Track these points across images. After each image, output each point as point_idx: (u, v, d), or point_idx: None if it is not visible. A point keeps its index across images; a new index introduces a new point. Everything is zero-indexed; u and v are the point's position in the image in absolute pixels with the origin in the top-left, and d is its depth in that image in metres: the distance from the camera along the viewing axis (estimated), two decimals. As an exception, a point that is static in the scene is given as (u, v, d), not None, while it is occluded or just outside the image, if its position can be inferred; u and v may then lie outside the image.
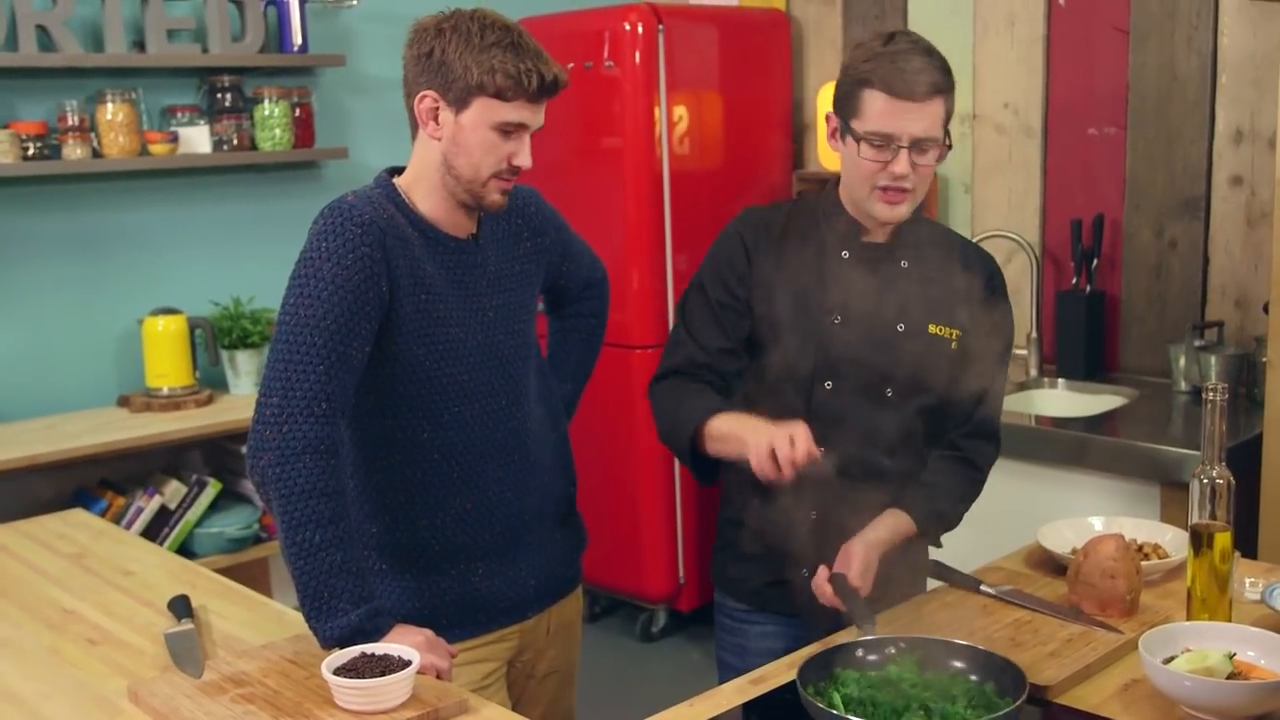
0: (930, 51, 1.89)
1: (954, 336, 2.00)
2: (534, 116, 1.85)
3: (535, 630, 2.09)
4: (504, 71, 1.78)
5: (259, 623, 2.01)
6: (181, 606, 2.01)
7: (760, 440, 1.78)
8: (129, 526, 3.32)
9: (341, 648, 1.73)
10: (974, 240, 3.65)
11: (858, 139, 1.89)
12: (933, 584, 2.09)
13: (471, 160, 1.84)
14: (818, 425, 1.88)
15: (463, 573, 1.97)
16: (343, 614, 1.74)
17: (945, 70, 1.89)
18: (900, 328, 1.99)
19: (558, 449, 2.13)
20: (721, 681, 2.14)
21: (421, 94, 1.84)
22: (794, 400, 1.99)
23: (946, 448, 2.05)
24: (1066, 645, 1.79)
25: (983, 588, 2.00)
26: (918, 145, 1.87)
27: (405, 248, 1.85)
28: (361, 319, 1.79)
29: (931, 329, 2.00)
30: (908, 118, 1.86)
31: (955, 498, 2.04)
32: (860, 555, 1.90)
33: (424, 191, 1.90)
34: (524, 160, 1.86)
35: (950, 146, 1.95)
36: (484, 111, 1.81)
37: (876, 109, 1.87)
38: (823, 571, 1.90)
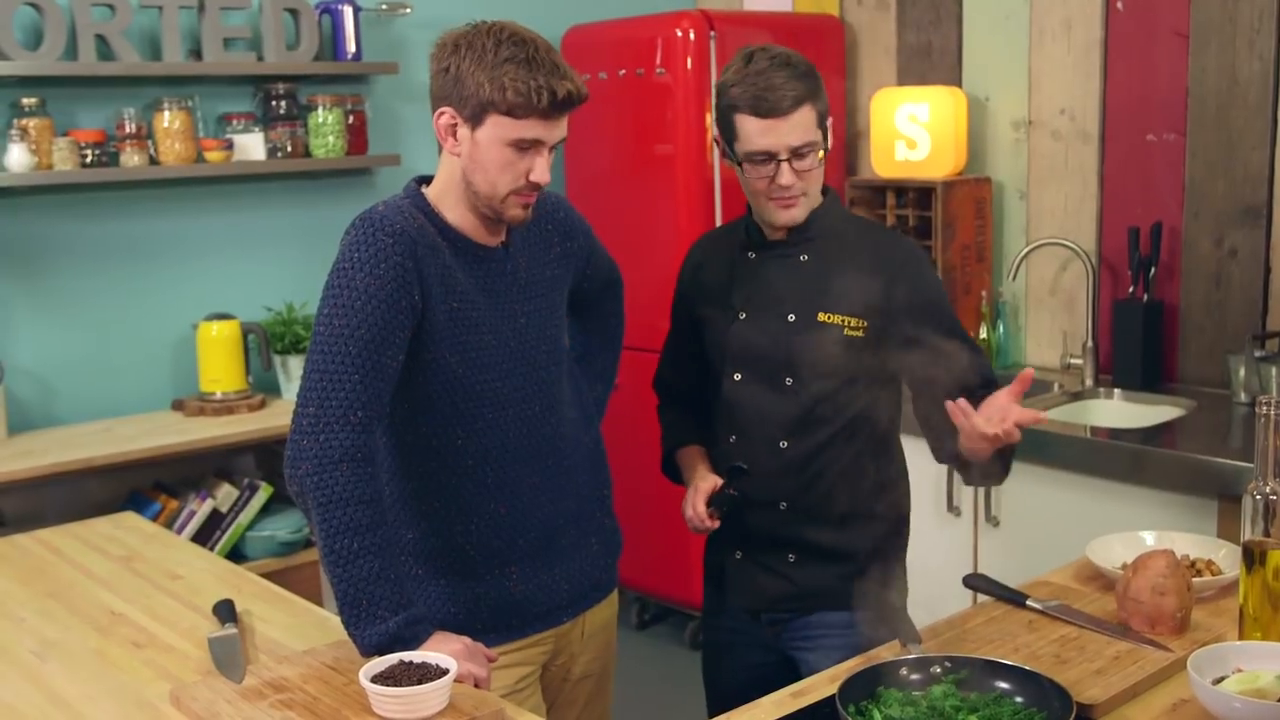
0: (789, 62, 1.99)
1: (848, 323, 2.06)
2: (549, 132, 1.83)
3: (570, 634, 2.10)
4: (514, 89, 1.77)
5: (301, 628, 2.03)
6: (225, 610, 2.03)
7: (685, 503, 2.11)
8: (181, 529, 3.36)
9: (380, 655, 1.73)
10: (1029, 246, 3.66)
11: (740, 161, 2.04)
12: (979, 598, 2.06)
13: (488, 176, 1.84)
14: (727, 413, 2.15)
15: (497, 577, 1.98)
16: (381, 621, 1.75)
17: (807, 75, 2.00)
18: (790, 318, 2.08)
19: (591, 452, 2.13)
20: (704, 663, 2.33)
21: (440, 110, 1.84)
22: (713, 393, 2.17)
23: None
24: (1113, 663, 1.76)
25: (1029, 603, 1.96)
26: (796, 153, 2.00)
27: (436, 256, 1.86)
28: (395, 328, 1.80)
29: (820, 316, 2.06)
30: (779, 133, 1.98)
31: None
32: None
33: (451, 203, 1.90)
34: (540, 176, 1.85)
35: (829, 144, 2.05)
36: (497, 129, 1.81)
37: (749, 131, 2.00)
38: None
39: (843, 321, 2.06)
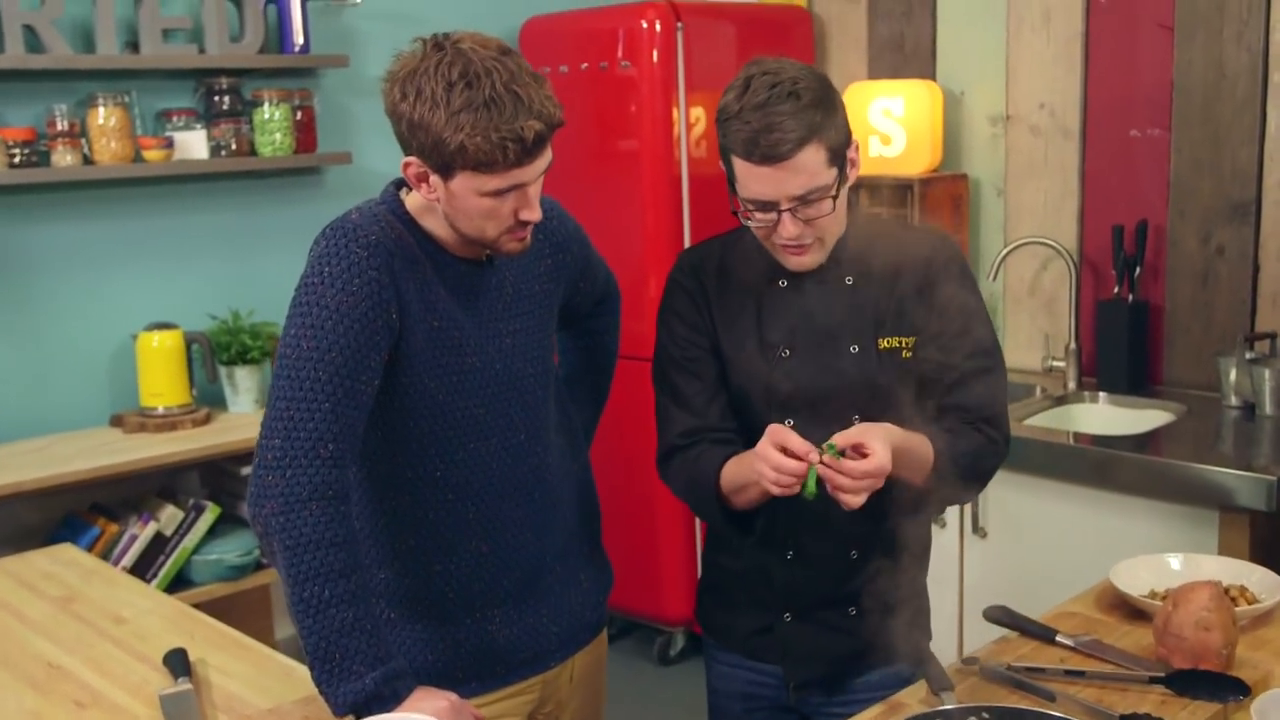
0: (795, 90, 1.68)
1: (905, 344, 1.85)
2: (527, 173, 1.63)
3: (557, 680, 1.94)
4: (475, 145, 1.57)
5: (264, 680, 1.84)
6: (178, 662, 1.84)
7: (759, 473, 1.70)
8: (122, 555, 3.16)
9: (357, 716, 1.56)
10: (1007, 247, 3.54)
11: (739, 205, 1.77)
12: (1000, 631, 1.91)
13: (473, 224, 1.67)
14: None
15: (479, 621, 1.83)
16: (357, 677, 1.58)
17: (815, 104, 1.69)
18: (854, 349, 1.85)
19: (580, 482, 1.98)
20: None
21: (405, 161, 1.65)
22: (757, 439, 1.82)
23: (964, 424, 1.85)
24: (1161, 708, 1.62)
25: (1059, 638, 1.82)
26: (802, 201, 1.72)
27: (415, 270, 1.69)
28: (370, 350, 1.63)
29: (883, 344, 1.84)
30: (778, 181, 1.70)
31: (971, 460, 1.83)
32: (871, 430, 1.69)
33: (434, 222, 1.73)
34: (530, 215, 1.67)
35: (849, 177, 1.77)
36: (469, 183, 1.62)
37: (745, 175, 1.72)
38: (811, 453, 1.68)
39: (900, 344, 1.84)
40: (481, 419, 1.76)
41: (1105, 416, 3.41)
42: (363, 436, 1.68)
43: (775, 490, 1.69)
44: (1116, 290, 3.42)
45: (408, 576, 1.79)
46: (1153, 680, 1.67)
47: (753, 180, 1.72)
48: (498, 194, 1.63)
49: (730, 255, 1.92)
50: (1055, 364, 3.58)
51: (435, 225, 1.72)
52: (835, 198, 1.74)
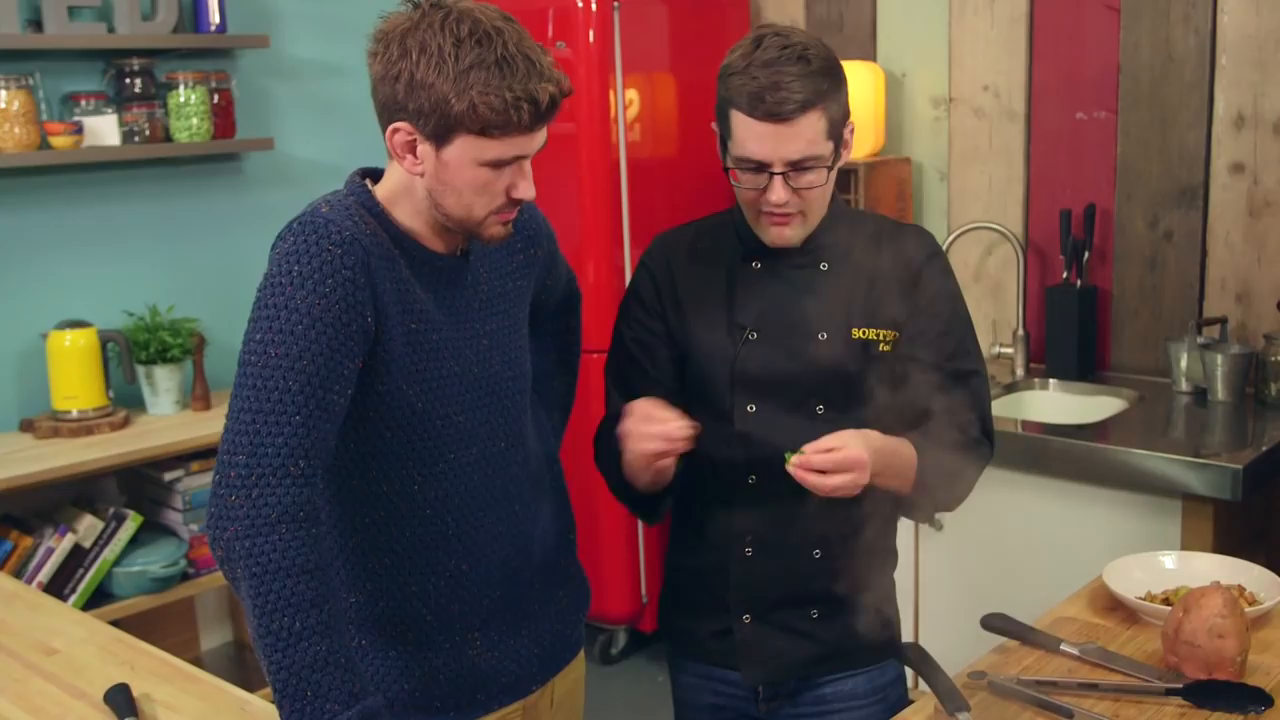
0: (804, 55, 1.66)
1: (883, 338, 1.80)
2: (531, 144, 1.53)
3: (539, 705, 1.82)
4: (486, 104, 1.46)
5: (217, 716, 1.69)
6: (122, 700, 1.68)
7: (641, 452, 1.70)
8: (38, 569, 2.95)
9: (331, 759, 1.42)
10: (952, 232, 3.49)
11: (730, 165, 1.75)
12: (997, 639, 1.83)
13: (462, 200, 1.54)
14: (742, 450, 1.78)
15: (458, 645, 1.70)
16: (330, 716, 1.44)
17: (823, 72, 1.67)
18: (822, 336, 1.79)
19: (555, 490, 1.86)
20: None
21: (393, 126, 1.52)
22: (719, 427, 1.80)
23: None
24: (1182, 721, 1.55)
25: (1064, 647, 1.74)
26: (795, 167, 1.69)
27: (391, 268, 1.55)
28: (344, 357, 1.49)
29: (855, 334, 1.79)
30: (777, 142, 1.67)
31: (960, 465, 1.80)
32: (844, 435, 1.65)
33: (408, 211, 1.59)
34: (525, 192, 1.56)
35: (843, 155, 1.75)
36: (469, 150, 1.50)
37: (743, 133, 1.69)
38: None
39: (878, 336, 1.79)
40: (461, 427, 1.63)
41: (1058, 404, 3.38)
42: (333, 450, 1.55)
43: (656, 448, 1.68)
44: (1065, 275, 3.38)
45: (381, 599, 1.65)
46: (1169, 692, 1.60)
47: (750, 138, 1.68)
48: (497, 165, 1.51)
49: (705, 237, 1.89)
50: (1003, 350, 3.54)
51: (408, 216, 1.59)
52: (830, 169, 1.72)
